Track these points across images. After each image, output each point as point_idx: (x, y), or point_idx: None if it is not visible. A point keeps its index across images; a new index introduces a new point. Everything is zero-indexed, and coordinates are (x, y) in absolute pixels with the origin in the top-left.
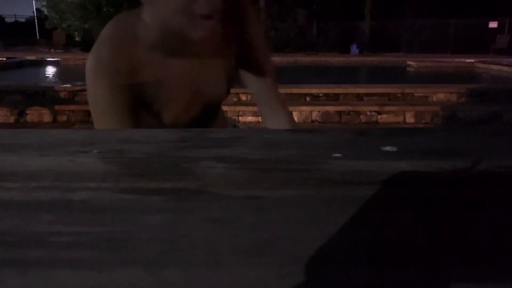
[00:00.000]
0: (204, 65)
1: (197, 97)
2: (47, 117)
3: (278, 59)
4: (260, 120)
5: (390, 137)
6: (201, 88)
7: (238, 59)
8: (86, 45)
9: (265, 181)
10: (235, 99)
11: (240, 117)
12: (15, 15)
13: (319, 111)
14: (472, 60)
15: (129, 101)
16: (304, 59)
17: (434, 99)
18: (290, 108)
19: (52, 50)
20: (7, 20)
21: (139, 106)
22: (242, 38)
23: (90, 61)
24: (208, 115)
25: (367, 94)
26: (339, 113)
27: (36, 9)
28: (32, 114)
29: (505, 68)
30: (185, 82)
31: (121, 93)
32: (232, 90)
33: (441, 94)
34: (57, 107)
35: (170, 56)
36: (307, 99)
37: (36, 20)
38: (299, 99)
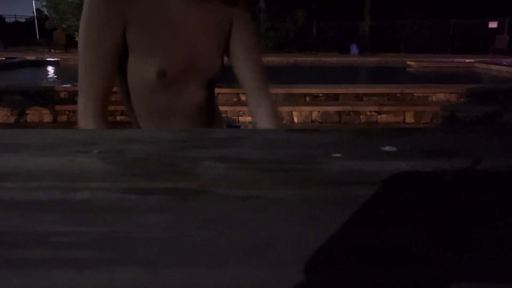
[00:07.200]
0: (199, 27)
1: (190, 56)
2: (47, 117)
3: (278, 59)
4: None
5: (389, 137)
6: (195, 47)
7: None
8: None
9: (265, 181)
10: (235, 99)
11: (240, 117)
12: (15, 15)
13: (319, 111)
14: (472, 60)
15: (118, 35)
16: (304, 59)
17: (433, 99)
18: (290, 108)
19: (52, 50)
20: (7, 20)
21: (126, 49)
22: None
23: None
24: (202, 97)
25: (366, 94)
26: (339, 113)
27: (36, 9)
28: (33, 114)
29: (504, 68)
30: (180, 32)
31: (114, 20)
32: (232, 90)
33: (440, 94)
34: (57, 107)
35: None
36: (307, 99)
37: (36, 20)
38: (299, 99)
